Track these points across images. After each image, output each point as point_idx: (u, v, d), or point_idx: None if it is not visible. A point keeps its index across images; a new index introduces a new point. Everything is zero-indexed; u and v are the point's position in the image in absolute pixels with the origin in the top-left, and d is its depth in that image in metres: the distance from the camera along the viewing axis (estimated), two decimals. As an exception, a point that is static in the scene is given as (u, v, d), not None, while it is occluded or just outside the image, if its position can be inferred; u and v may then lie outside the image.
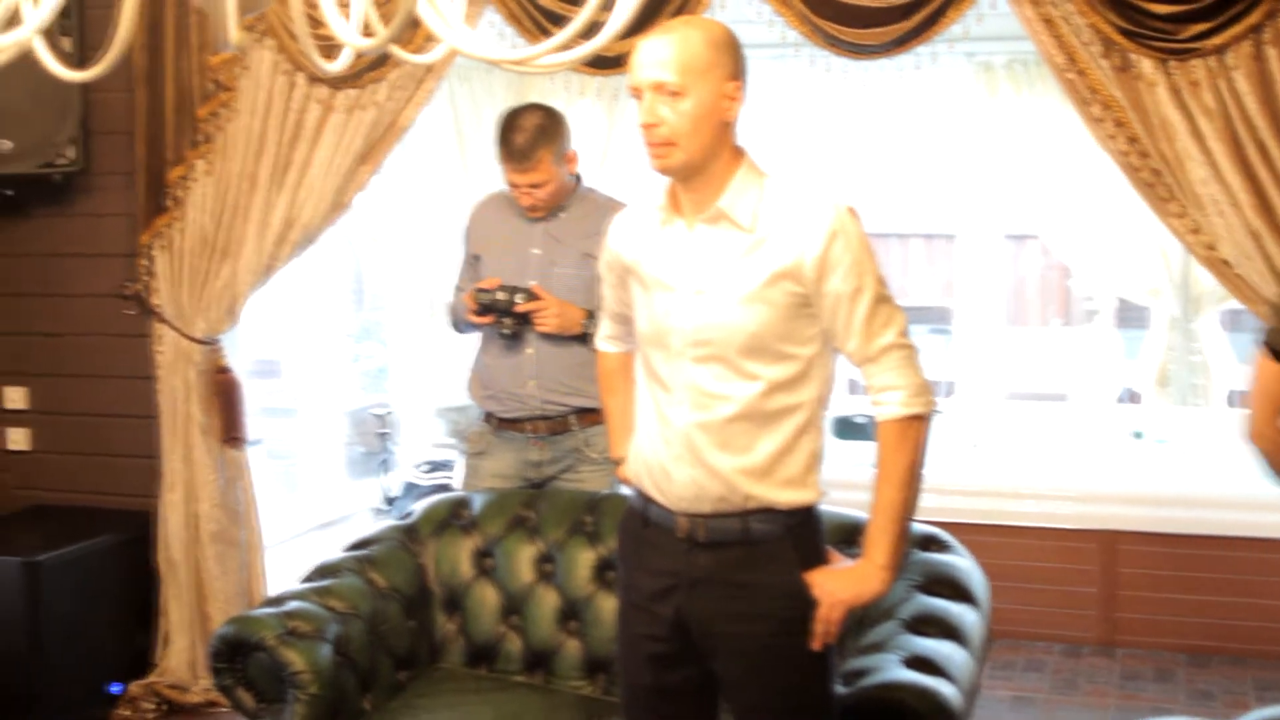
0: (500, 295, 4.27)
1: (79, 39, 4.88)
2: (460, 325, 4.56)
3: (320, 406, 7.05)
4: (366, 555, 3.96)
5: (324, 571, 3.89)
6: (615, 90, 6.54)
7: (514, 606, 3.96)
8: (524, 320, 4.29)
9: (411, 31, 4.20)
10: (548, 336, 4.31)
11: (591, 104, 6.75)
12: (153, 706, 5.12)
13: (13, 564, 4.78)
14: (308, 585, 3.82)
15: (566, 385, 4.35)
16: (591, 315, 4.31)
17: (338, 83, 4.80)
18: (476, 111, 7.17)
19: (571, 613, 3.90)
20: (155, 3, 4.70)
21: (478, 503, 4.13)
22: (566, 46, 2.04)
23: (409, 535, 4.07)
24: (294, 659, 3.47)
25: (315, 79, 4.83)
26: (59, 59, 2.30)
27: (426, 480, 6.95)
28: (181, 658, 5.18)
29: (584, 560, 3.91)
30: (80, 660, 4.94)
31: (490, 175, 4.44)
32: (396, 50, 2.27)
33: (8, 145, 4.94)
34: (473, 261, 4.50)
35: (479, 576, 4.01)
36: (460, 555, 4.03)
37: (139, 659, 5.18)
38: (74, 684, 4.94)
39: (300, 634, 3.54)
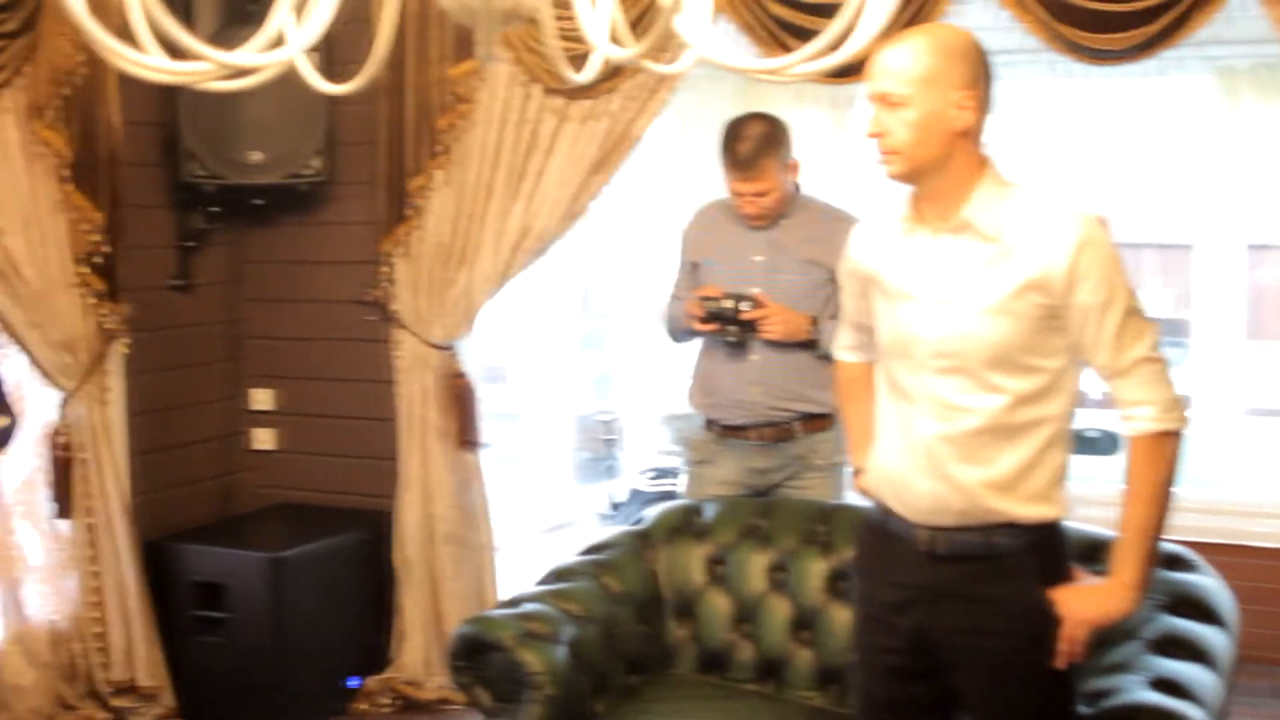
0: (726, 303, 4.28)
1: (326, 53, 5.03)
2: (678, 333, 4.58)
3: (547, 412, 7.16)
4: (600, 560, 4.01)
5: (559, 575, 3.95)
6: (842, 97, 6.50)
7: (745, 614, 3.97)
8: (749, 327, 4.30)
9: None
10: (772, 343, 4.31)
11: (817, 112, 6.72)
12: (388, 701, 5.26)
13: (259, 559, 4.97)
14: (543, 588, 3.88)
15: (792, 391, 4.34)
16: (816, 321, 4.30)
17: (572, 94, 4.87)
18: (703, 121, 7.20)
19: (804, 622, 3.89)
20: (399, 17, 4.83)
21: (710, 510, 4.15)
22: (818, 56, 2.04)
23: (642, 541, 4.11)
24: (531, 660, 3.53)
25: (551, 90, 4.91)
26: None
27: (652, 487, 7.00)
28: (416, 655, 5.31)
29: (816, 570, 3.90)
30: (321, 654, 5.10)
31: (717, 184, 4.45)
32: (646, 61, 2.29)
33: (258, 157, 5.14)
34: (691, 270, 4.52)
35: (711, 583, 4.02)
36: (692, 562, 4.05)
37: (376, 655, 5.32)
38: (315, 676, 5.11)
39: (537, 635, 3.60)
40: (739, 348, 4.35)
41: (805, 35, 4.33)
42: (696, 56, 2.18)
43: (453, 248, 5.12)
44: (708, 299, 4.30)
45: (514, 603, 3.78)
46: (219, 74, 1.96)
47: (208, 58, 1.78)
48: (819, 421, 4.37)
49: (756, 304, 4.26)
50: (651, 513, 4.24)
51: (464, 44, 4.94)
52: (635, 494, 7.04)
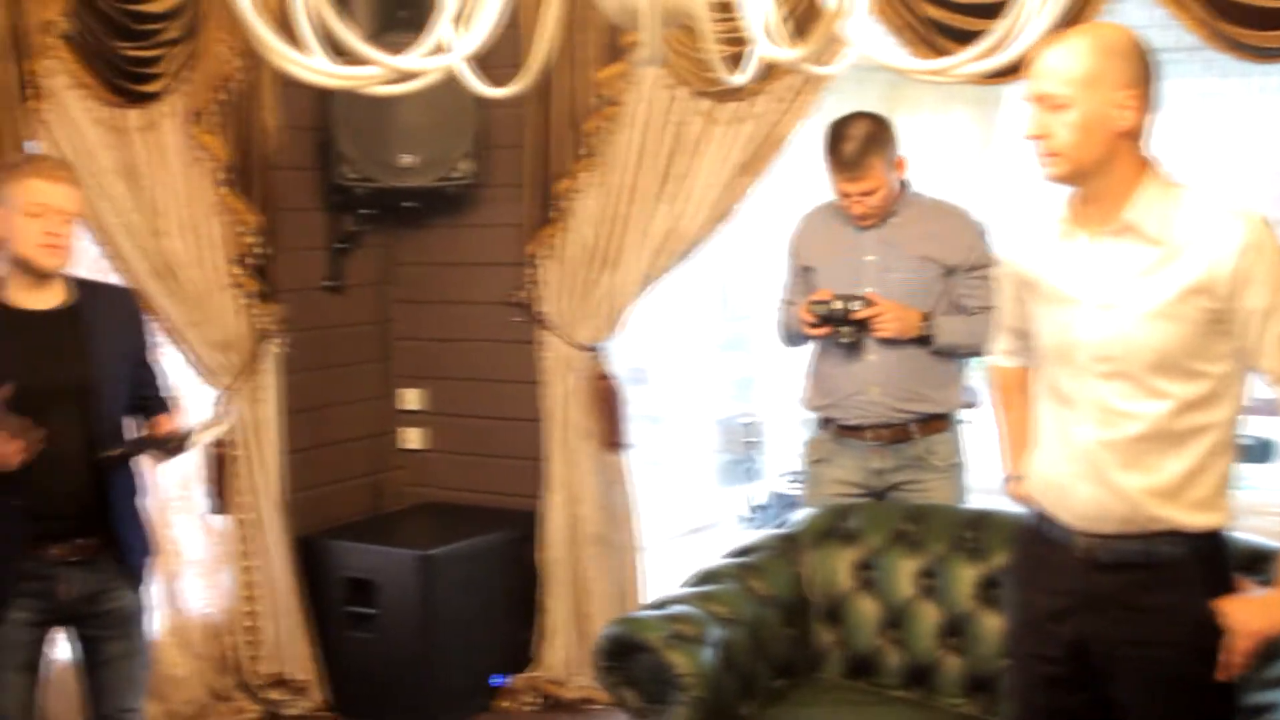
0: (836, 305, 4.27)
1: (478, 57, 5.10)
2: (792, 338, 4.57)
3: (688, 414, 7.16)
4: (747, 563, 4.00)
5: (706, 577, 3.96)
6: (990, 98, 6.41)
7: (894, 620, 3.94)
8: (862, 327, 4.27)
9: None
10: (887, 342, 4.29)
11: (964, 113, 6.64)
12: (532, 700, 5.30)
13: (408, 556, 5.04)
14: (690, 590, 3.88)
15: (910, 391, 4.31)
16: (929, 317, 4.26)
17: (720, 96, 4.87)
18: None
19: (953, 629, 3.85)
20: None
21: (858, 515, 4.12)
22: (983, 56, 2.02)
23: (789, 544, 4.09)
24: (679, 661, 3.53)
25: (698, 93, 4.91)
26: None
27: (792, 489, 6.97)
28: (561, 654, 5.34)
29: (967, 576, 3.86)
30: (467, 651, 5.16)
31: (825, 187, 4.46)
32: (805, 64, 2.28)
33: (410, 160, 5.21)
34: (803, 274, 4.50)
35: (859, 588, 4.00)
36: (840, 566, 4.03)
37: (521, 653, 5.36)
38: (461, 673, 5.17)
39: (684, 637, 3.60)
40: (854, 349, 4.33)
41: (957, 36, 4.29)
42: (858, 56, 2.16)
43: (598, 250, 5.15)
44: (818, 303, 4.30)
45: (661, 604, 3.79)
46: (385, 78, 1.99)
47: (377, 61, 1.81)
48: (937, 423, 4.34)
49: (868, 303, 4.25)
50: (799, 516, 4.23)
51: (612, 47, 4.97)
52: (775, 497, 7.02)
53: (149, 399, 3.74)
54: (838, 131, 4.28)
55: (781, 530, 4.18)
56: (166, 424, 3.66)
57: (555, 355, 5.27)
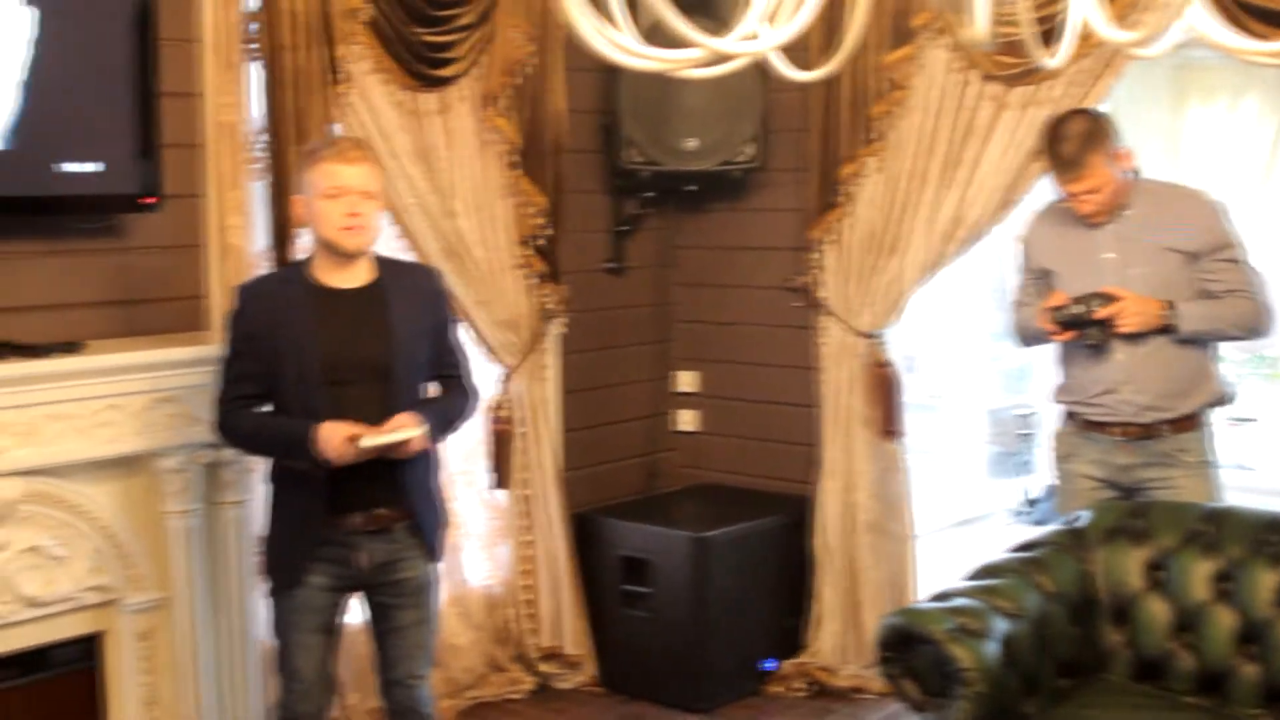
0: (1076, 308, 4.15)
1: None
2: (1027, 340, 4.48)
3: (960, 404, 7.04)
4: (1032, 557, 3.91)
5: (988, 571, 3.87)
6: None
7: (1186, 623, 3.79)
8: (1106, 326, 4.13)
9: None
10: (1134, 337, 4.15)
11: (1253, 100, 6.36)
12: (803, 686, 5.28)
13: (683, 537, 5.08)
14: (973, 583, 3.81)
15: (1161, 390, 4.17)
16: (1171, 305, 4.09)
17: (1012, 80, 4.76)
18: (1134, 109, 6.92)
19: (1251, 635, 3.69)
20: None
21: (1151, 513, 3.99)
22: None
23: (1076, 540, 3.98)
24: (962, 655, 3.47)
25: (989, 77, 4.81)
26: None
27: (1066, 484, 6.80)
28: (832, 641, 5.31)
29: (1267, 581, 3.69)
30: (739, 634, 5.17)
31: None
32: (1129, 46, 2.21)
33: (694, 144, 5.25)
34: (1040, 277, 4.38)
35: (1150, 589, 3.86)
36: (1130, 565, 3.90)
37: (791, 638, 5.35)
38: (732, 656, 5.18)
39: (968, 631, 3.53)
40: (1101, 349, 4.20)
41: (1266, 17, 4.12)
42: (1186, 37, 2.08)
43: (883, 236, 5.09)
44: (1057, 309, 4.18)
45: (944, 596, 3.73)
46: (702, 61, 2.00)
47: (697, 43, 1.81)
48: (1187, 422, 4.20)
49: (1106, 300, 4.11)
50: (1088, 511, 4.11)
51: (901, 30, 4.90)
52: (1051, 491, 6.85)
53: (448, 377, 3.83)
54: (1054, 132, 4.17)
55: (1069, 525, 4.07)
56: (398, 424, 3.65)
57: (834, 341, 5.24)
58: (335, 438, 3.48)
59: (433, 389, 3.82)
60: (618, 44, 2.11)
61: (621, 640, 5.26)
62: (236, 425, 3.67)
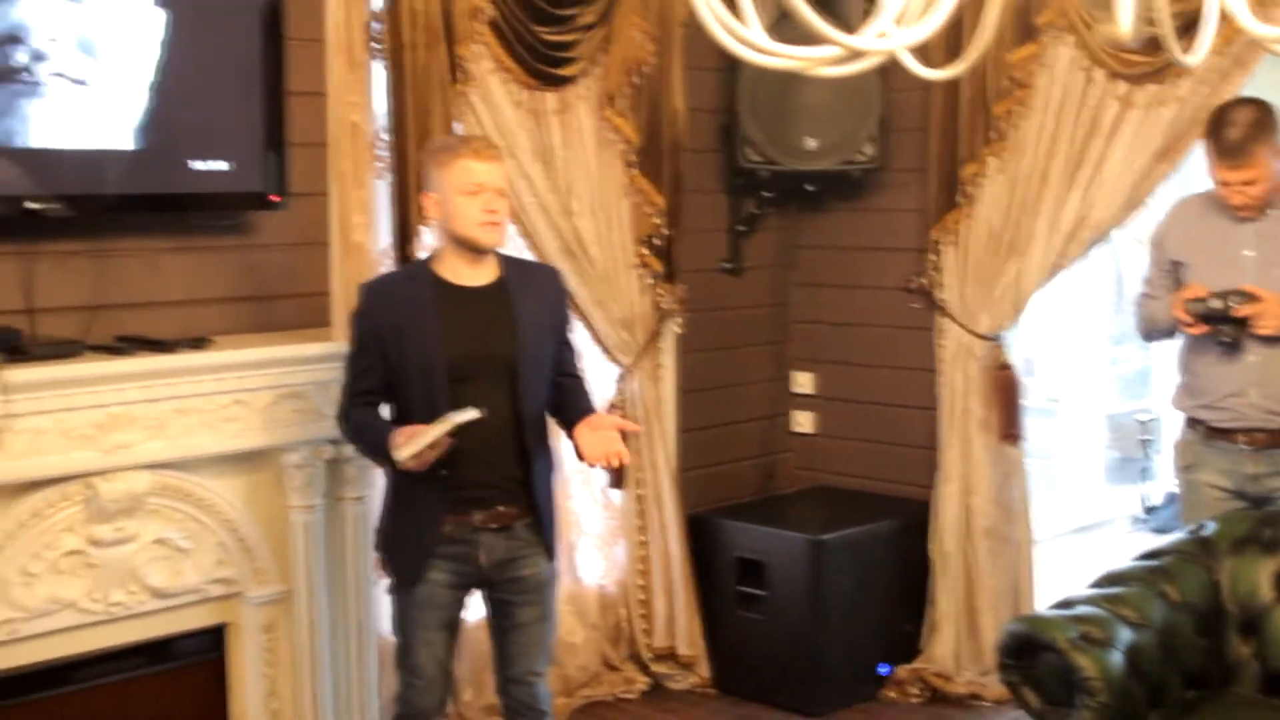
0: (1214, 303, 4.05)
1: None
2: (1152, 333, 4.42)
3: (1078, 408, 6.94)
4: (1158, 566, 3.83)
5: (1113, 579, 3.80)
6: None
7: (1319, 636, 3.71)
8: (1243, 325, 4.03)
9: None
10: (1269, 342, 4.05)
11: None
12: (917, 691, 5.23)
13: (799, 540, 5.05)
14: (1097, 591, 3.74)
15: None
16: None
17: (1138, 79, 4.68)
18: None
19: (1387, 650, 3.60)
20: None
21: (1281, 523, 3.90)
22: None
23: (1203, 548, 3.90)
24: (1085, 664, 3.41)
25: (1114, 74, 4.73)
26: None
27: (1190, 492, 6.66)
28: (947, 647, 5.25)
29: (1406, 595, 3.60)
30: (854, 638, 5.13)
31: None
32: (1272, 41, 2.15)
33: (814, 144, 5.22)
34: (1171, 269, 4.28)
35: (1280, 600, 3.78)
36: (1260, 576, 3.81)
37: (907, 643, 5.30)
38: (848, 660, 5.14)
39: (1092, 639, 3.47)
40: (1233, 348, 4.10)
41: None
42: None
43: (1004, 237, 5.03)
44: (1194, 301, 4.08)
45: (1067, 604, 3.67)
46: (838, 59, 1.98)
47: (834, 40, 1.80)
48: None
49: (1248, 298, 4.00)
50: (1215, 520, 4.02)
51: (1025, 28, 4.84)
52: (1172, 498, 6.73)
53: (569, 376, 3.85)
54: (1222, 117, 4.08)
55: (1196, 534, 3.99)
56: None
57: (954, 343, 5.18)
58: (403, 440, 3.50)
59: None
60: (748, 41, 2.09)
61: (736, 642, 5.24)
62: (348, 423, 3.72)
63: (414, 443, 3.46)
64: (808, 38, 1.99)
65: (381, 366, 3.65)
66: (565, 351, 3.84)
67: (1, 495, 3.59)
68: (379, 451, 3.61)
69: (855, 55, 2.02)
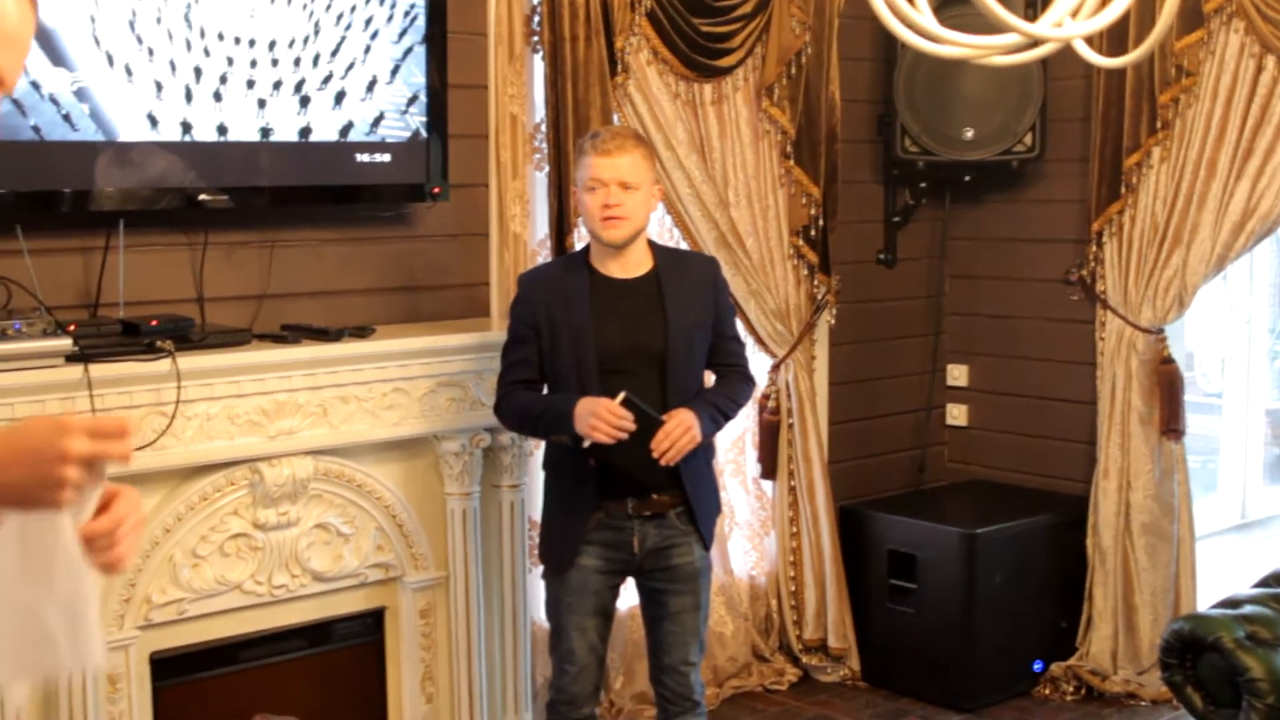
0: None
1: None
2: None
3: (1238, 403, 6.76)
4: (1329, 566, 3.74)
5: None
6: None
7: None
8: None
9: None
10: None
11: None
12: (1072, 689, 5.16)
13: (952, 534, 5.00)
14: (1264, 590, 3.67)
15: None
16: None
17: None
18: None
19: None
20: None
21: None
22: None
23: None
24: (1252, 664, 3.35)
25: (1286, 61, 4.61)
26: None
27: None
28: (1103, 645, 5.16)
29: None
30: (1007, 633, 5.07)
31: None
32: None
33: (972, 134, 5.15)
34: None
35: None
36: None
37: (1062, 640, 5.22)
38: (1000, 655, 5.07)
39: (1260, 640, 3.41)
40: None
41: None
42: None
43: (1168, 228, 4.92)
44: None
45: (1233, 603, 3.60)
46: (1010, 47, 1.95)
47: (1015, 28, 1.77)
48: None
49: None
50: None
51: (1192, 14, 4.72)
52: (1338, 497, 6.55)
53: (728, 366, 3.84)
54: None
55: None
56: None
57: (1115, 336, 5.08)
58: (596, 408, 3.52)
59: (709, 378, 3.82)
60: (920, 28, 2.08)
61: (886, 635, 5.21)
62: (512, 405, 3.73)
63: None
64: (975, 25, 1.97)
65: (537, 357, 3.68)
66: (723, 341, 3.82)
67: (171, 479, 3.69)
68: (556, 423, 3.61)
69: (1032, 43, 1.99)
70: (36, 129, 3.50)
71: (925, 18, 2.10)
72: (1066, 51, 2.31)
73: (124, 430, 1.51)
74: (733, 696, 5.10)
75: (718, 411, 3.74)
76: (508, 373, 3.75)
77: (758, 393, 4.96)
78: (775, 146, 4.95)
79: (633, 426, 3.49)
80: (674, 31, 4.63)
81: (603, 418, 3.49)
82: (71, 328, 3.46)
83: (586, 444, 3.53)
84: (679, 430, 3.55)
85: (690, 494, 3.71)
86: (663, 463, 3.56)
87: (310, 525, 3.91)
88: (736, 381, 3.84)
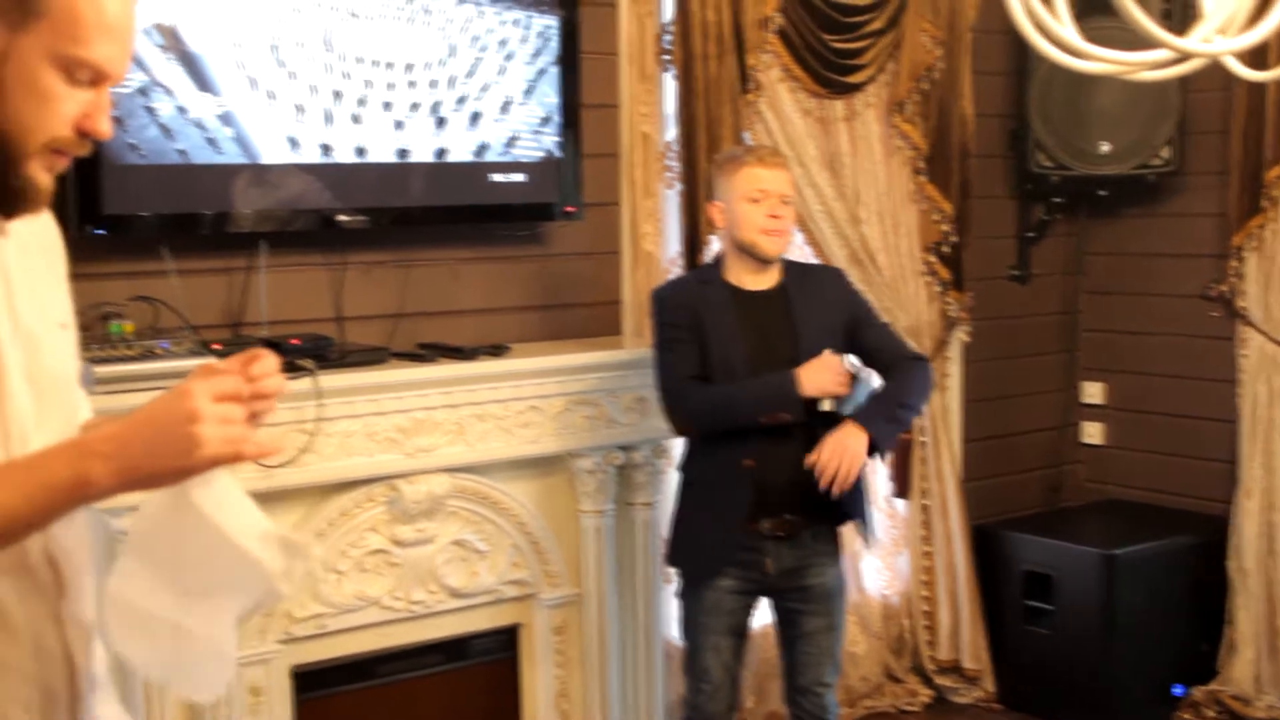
0: None
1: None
2: None
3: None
4: None
5: None
6: None
7: None
8: None
9: None
10: None
11: None
12: (1213, 714, 5.04)
13: (1089, 554, 4.92)
14: None
15: None
16: None
17: None
18: None
19: None
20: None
21: None
22: None
23: None
24: None
25: None
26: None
27: None
28: (1246, 669, 5.05)
29: None
30: (1146, 656, 4.97)
31: None
32: None
33: (1107, 147, 5.08)
34: None
35: None
36: None
37: (1203, 664, 5.11)
38: (1139, 679, 4.97)
39: None
40: None
41: None
42: None
43: (1315, 243, 4.81)
44: None
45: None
46: (1159, 63, 1.93)
47: (1166, 43, 1.74)
48: None
49: None
50: None
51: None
52: None
53: (883, 357, 3.78)
54: None
55: None
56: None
57: (1257, 353, 4.96)
58: (821, 368, 3.56)
59: (875, 379, 3.78)
60: (1064, 43, 2.05)
61: (1022, 657, 5.14)
62: (703, 396, 3.66)
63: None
64: (1117, 38, 1.95)
65: (697, 355, 3.66)
66: (871, 331, 3.79)
67: (312, 495, 3.75)
68: (771, 395, 3.59)
69: (1181, 58, 1.96)
70: (183, 152, 3.59)
71: (1068, 31, 2.08)
72: (1207, 64, 2.27)
73: (244, 371, 1.60)
74: (865, 717, 5.05)
75: (893, 415, 3.68)
76: (674, 372, 3.69)
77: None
78: (907, 162, 4.91)
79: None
80: (805, 49, 4.62)
81: (834, 369, 3.56)
82: (216, 347, 3.54)
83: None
84: (833, 464, 3.54)
85: (827, 512, 3.68)
86: (834, 493, 3.56)
87: (447, 542, 3.95)
88: (906, 371, 3.76)
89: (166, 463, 1.54)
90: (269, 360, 1.64)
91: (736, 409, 3.64)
